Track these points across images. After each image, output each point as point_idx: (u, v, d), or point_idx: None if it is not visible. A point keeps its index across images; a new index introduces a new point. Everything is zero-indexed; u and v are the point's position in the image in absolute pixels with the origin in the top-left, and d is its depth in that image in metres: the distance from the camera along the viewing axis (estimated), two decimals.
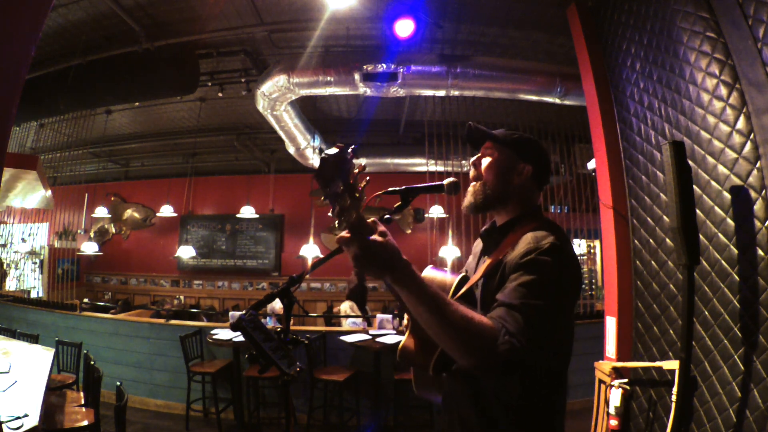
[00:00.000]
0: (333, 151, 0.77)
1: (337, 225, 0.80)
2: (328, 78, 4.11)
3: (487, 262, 1.06)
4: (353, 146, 0.80)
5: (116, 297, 7.75)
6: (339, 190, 0.77)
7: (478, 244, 1.27)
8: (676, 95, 2.27)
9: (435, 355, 0.97)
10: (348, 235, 0.79)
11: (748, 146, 1.83)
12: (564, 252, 0.95)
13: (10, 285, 7.49)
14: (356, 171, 0.79)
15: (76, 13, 3.91)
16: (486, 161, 1.13)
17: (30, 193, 4.97)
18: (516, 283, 0.90)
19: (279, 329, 1.06)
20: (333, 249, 0.99)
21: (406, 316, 1.15)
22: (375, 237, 0.79)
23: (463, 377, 1.01)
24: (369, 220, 0.81)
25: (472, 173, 1.16)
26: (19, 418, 1.92)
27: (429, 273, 1.16)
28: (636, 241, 2.68)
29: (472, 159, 1.16)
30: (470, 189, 1.13)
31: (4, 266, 7.27)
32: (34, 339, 3.64)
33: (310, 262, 5.47)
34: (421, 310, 0.81)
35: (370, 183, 0.83)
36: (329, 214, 0.80)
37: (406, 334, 1.08)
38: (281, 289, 1.04)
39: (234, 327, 1.02)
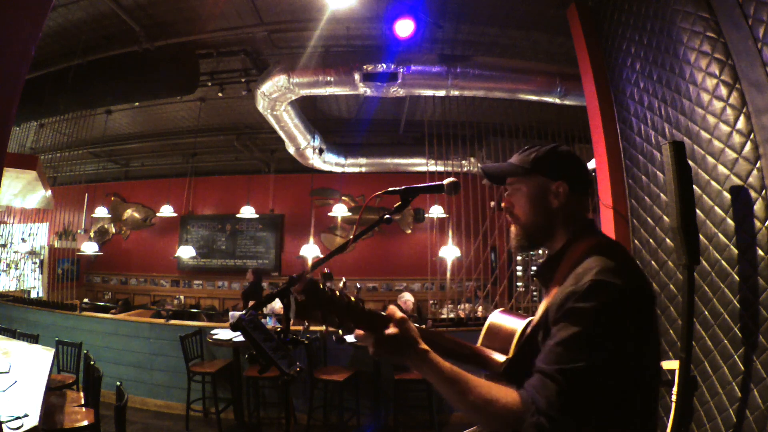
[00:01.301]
0: (302, 295, 0.80)
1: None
2: (328, 78, 4.11)
3: (546, 301, 0.93)
4: (325, 272, 0.86)
5: (116, 297, 7.75)
6: (336, 321, 0.81)
7: None
8: (676, 95, 2.27)
9: None
10: (363, 333, 0.84)
11: (748, 146, 1.83)
12: (611, 288, 0.78)
13: (11, 285, 7.49)
14: (337, 291, 0.82)
15: (76, 13, 3.91)
16: (515, 199, 1.01)
17: (30, 193, 4.97)
18: (553, 341, 0.79)
19: (279, 329, 1.06)
20: (333, 249, 0.99)
21: None
22: (390, 330, 0.83)
23: None
24: (389, 311, 0.86)
25: (507, 217, 1.04)
26: (19, 418, 1.92)
27: (496, 319, 1.09)
28: (636, 241, 2.68)
29: (502, 201, 1.04)
30: (512, 230, 1.03)
31: None
32: (34, 339, 3.64)
33: (310, 262, 5.47)
34: (443, 392, 0.82)
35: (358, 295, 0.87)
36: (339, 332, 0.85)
37: None
38: (281, 289, 1.04)
39: (234, 327, 1.02)
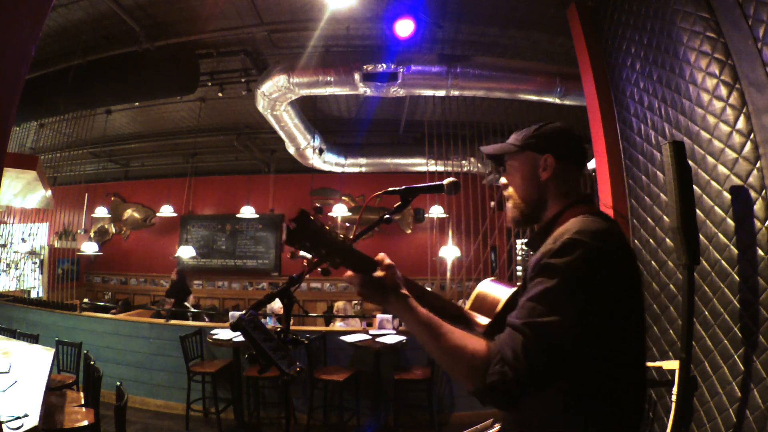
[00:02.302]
0: (294, 224, 0.81)
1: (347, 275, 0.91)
2: (328, 78, 4.11)
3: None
4: (316, 206, 0.88)
5: (116, 297, 7.75)
6: (323, 253, 0.83)
7: None
8: (676, 95, 2.27)
9: None
10: (351, 274, 0.89)
11: (748, 146, 1.83)
12: (585, 247, 0.79)
13: (11, 285, 7.49)
14: (328, 226, 0.84)
15: (76, 13, 3.91)
16: (512, 176, 1.07)
17: (30, 193, 4.97)
18: (526, 297, 0.81)
19: (279, 329, 1.06)
20: None
21: None
22: (377, 273, 0.89)
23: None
24: (378, 257, 0.91)
25: (506, 192, 1.09)
26: (19, 418, 1.92)
27: (485, 287, 1.14)
28: (636, 241, 2.68)
29: (502, 179, 1.11)
30: (508, 203, 1.08)
31: None
32: (34, 339, 3.64)
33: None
34: (419, 336, 0.87)
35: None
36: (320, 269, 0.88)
37: None
38: (281, 289, 1.04)
39: (234, 327, 1.02)
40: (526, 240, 1.17)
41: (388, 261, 0.91)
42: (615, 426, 0.83)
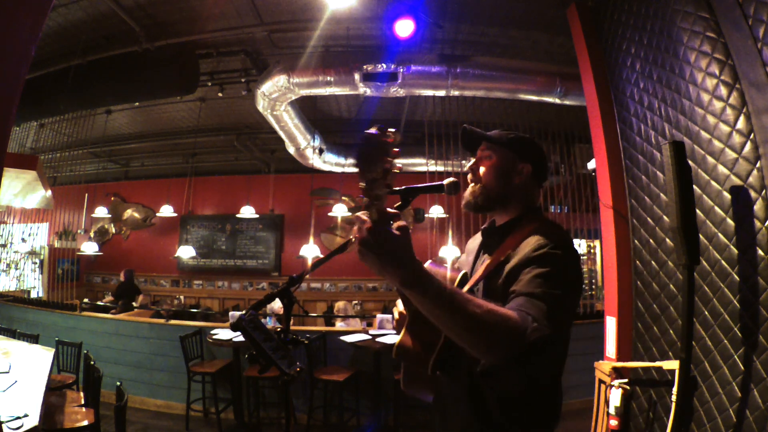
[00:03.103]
0: (374, 132, 0.75)
1: (362, 211, 0.75)
2: (328, 78, 4.11)
3: (487, 261, 1.06)
4: (394, 129, 0.78)
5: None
6: (377, 175, 0.72)
7: (473, 242, 1.26)
8: (676, 95, 2.27)
9: (434, 354, 0.96)
10: (367, 218, 0.73)
11: (748, 146, 1.83)
12: (571, 248, 0.98)
13: (11, 285, 7.49)
14: (393, 158, 0.75)
15: (76, 13, 3.91)
16: (484, 164, 1.13)
17: (30, 193, 4.96)
18: (531, 275, 0.91)
19: (279, 329, 1.06)
20: (333, 249, 0.98)
21: (397, 311, 1.12)
22: (394, 229, 0.74)
23: (463, 375, 1.00)
24: (392, 211, 0.76)
25: (470, 177, 1.15)
26: (19, 418, 1.92)
27: (431, 267, 1.14)
28: (636, 241, 2.68)
29: (469, 164, 1.17)
30: (469, 189, 1.13)
31: None
32: (34, 339, 3.64)
33: (310, 262, 5.48)
34: (440, 312, 0.77)
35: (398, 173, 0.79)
36: (360, 196, 0.76)
37: (403, 331, 1.06)
38: (281, 289, 1.05)
39: (234, 327, 1.02)
40: (482, 228, 1.17)
41: (402, 222, 0.78)
42: (553, 395, 0.99)
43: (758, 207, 1.79)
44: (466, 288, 1.06)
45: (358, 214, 0.75)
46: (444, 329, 0.81)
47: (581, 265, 1.03)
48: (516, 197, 1.11)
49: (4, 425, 1.84)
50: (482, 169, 1.12)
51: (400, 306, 1.12)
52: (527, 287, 0.89)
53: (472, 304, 0.78)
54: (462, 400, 1.01)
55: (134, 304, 5.56)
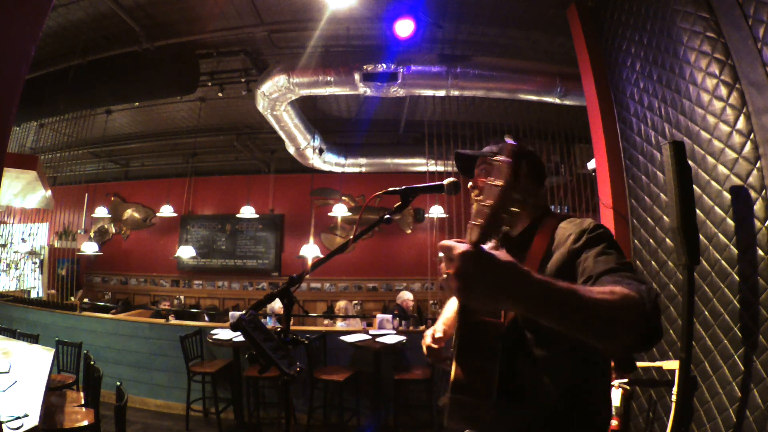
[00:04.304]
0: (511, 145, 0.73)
1: (475, 224, 0.66)
2: (328, 78, 4.11)
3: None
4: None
5: (116, 297, 7.75)
6: (499, 187, 0.65)
7: None
8: (676, 95, 2.27)
9: (495, 381, 0.90)
10: (471, 249, 0.62)
11: (748, 146, 1.83)
12: (604, 226, 1.00)
13: (11, 285, 7.49)
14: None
15: (76, 13, 3.91)
16: (481, 178, 1.13)
17: (30, 193, 4.96)
18: (593, 257, 0.91)
19: (279, 329, 1.06)
20: (333, 249, 0.98)
21: (430, 338, 1.09)
22: (498, 255, 0.64)
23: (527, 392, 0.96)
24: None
25: (474, 194, 1.14)
26: (19, 418, 1.92)
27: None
28: (636, 241, 2.68)
29: (470, 183, 1.16)
30: (476, 206, 1.10)
31: None
32: (34, 339, 3.64)
33: (310, 262, 5.48)
34: (572, 317, 0.70)
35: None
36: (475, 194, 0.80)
37: (453, 365, 0.97)
38: (281, 289, 1.05)
39: (234, 327, 1.02)
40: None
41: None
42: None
43: (758, 207, 1.79)
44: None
45: (448, 242, 0.67)
46: (575, 331, 0.71)
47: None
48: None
49: (4, 425, 1.84)
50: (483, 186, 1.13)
51: (437, 332, 1.10)
52: (600, 267, 0.88)
53: (596, 294, 0.71)
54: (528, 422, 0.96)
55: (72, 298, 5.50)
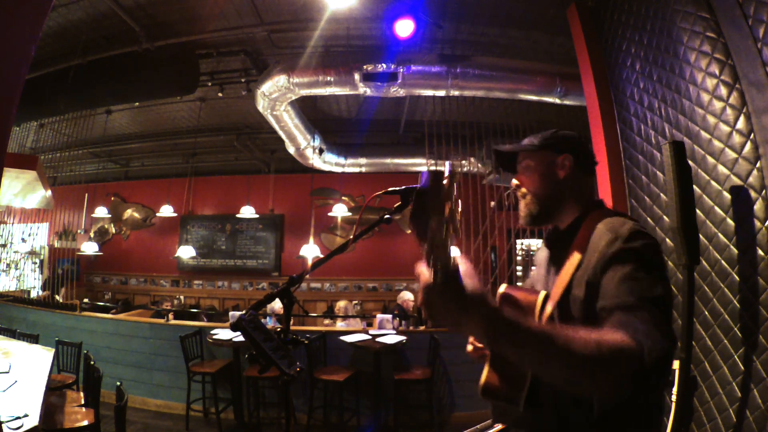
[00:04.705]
0: (437, 169, 0.65)
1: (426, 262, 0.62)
2: (328, 78, 4.11)
3: (561, 273, 0.95)
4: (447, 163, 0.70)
5: (116, 297, 7.75)
6: (442, 220, 0.60)
7: (540, 253, 1.17)
8: (676, 95, 2.27)
9: (524, 390, 0.89)
10: (431, 281, 0.60)
11: (748, 146, 1.83)
12: (645, 235, 0.87)
13: (11, 285, 7.49)
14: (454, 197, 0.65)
15: (76, 13, 3.91)
16: (526, 173, 1.08)
17: (30, 193, 4.97)
18: (616, 280, 0.80)
19: (279, 329, 1.06)
20: (333, 249, 0.97)
21: (474, 345, 1.05)
22: (468, 287, 0.62)
23: (556, 409, 0.90)
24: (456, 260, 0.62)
25: (519, 192, 1.09)
26: (19, 418, 1.92)
27: (509, 293, 1.04)
28: None
29: (513, 181, 1.11)
30: (522, 204, 1.09)
31: None
32: (34, 339, 3.64)
33: (310, 262, 5.48)
34: (531, 357, 0.67)
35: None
36: (424, 252, 0.63)
37: (486, 368, 0.98)
38: (281, 289, 1.05)
39: (234, 327, 1.02)
40: (544, 237, 1.10)
41: (462, 263, 0.67)
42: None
43: (758, 207, 1.79)
44: (549, 307, 0.94)
45: (420, 269, 0.63)
46: (550, 379, 0.68)
47: (661, 250, 0.88)
48: (569, 194, 1.04)
49: (4, 425, 1.84)
50: (525, 181, 1.08)
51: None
52: (618, 298, 0.78)
53: (577, 342, 0.65)
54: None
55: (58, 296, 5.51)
